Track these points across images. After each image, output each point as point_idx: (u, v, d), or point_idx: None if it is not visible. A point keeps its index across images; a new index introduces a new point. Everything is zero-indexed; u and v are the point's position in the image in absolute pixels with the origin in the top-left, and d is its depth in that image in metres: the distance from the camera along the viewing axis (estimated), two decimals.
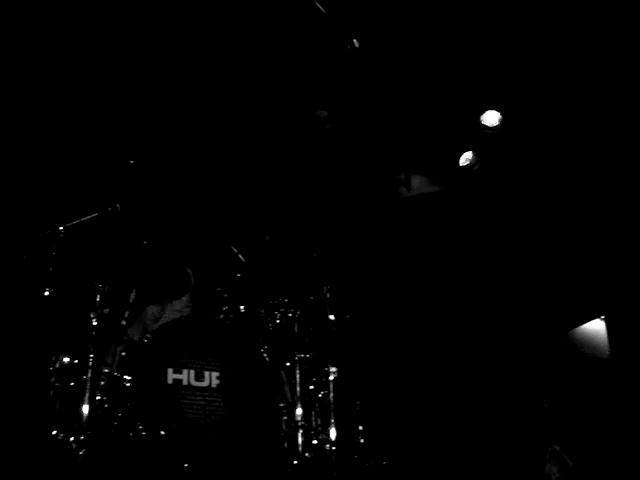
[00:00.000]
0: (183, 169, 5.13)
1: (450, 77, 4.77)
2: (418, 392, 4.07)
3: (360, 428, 4.24)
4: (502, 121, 4.95)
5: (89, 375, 3.94)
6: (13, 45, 4.52)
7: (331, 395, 4.15)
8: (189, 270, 4.54)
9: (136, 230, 4.41)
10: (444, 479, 3.91)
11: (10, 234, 4.55)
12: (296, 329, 4.26)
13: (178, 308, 4.48)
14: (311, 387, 4.27)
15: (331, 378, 4.18)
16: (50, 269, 3.95)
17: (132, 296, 4.19)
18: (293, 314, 4.27)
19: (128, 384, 3.93)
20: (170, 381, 3.93)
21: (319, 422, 4.19)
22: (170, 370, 3.95)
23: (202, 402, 3.95)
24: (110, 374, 3.97)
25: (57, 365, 4.08)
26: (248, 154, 5.12)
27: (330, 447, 4.03)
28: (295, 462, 3.99)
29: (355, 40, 4.50)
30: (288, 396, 4.18)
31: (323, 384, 4.22)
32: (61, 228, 3.98)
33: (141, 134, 4.95)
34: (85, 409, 3.85)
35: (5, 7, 4.28)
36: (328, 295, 4.29)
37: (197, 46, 4.70)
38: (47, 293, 3.92)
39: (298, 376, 4.19)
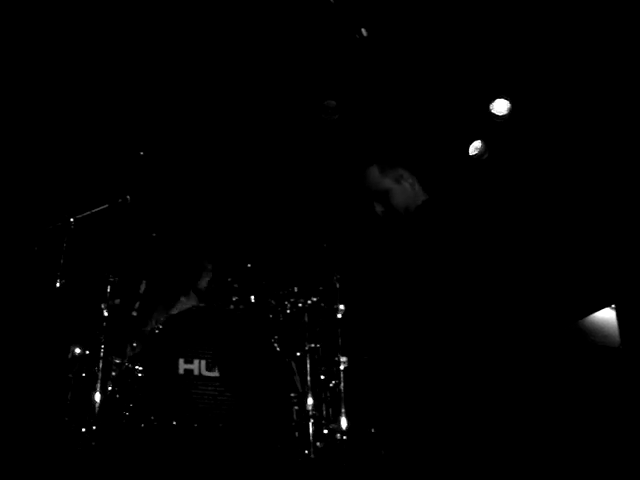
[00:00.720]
0: (192, 159, 5.13)
1: (459, 66, 4.75)
2: (428, 381, 4.06)
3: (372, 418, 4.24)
4: (511, 110, 4.94)
5: (101, 366, 3.96)
6: (21, 36, 4.53)
7: (342, 385, 4.16)
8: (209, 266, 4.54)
9: (146, 221, 4.42)
10: (454, 468, 3.92)
11: (21, 226, 4.57)
12: (306, 319, 4.27)
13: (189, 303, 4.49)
14: (322, 377, 4.27)
15: (342, 368, 4.18)
16: (61, 261, 3.97)
17: (142, 287, 4.20)
18: (303, 304, 4.28)
19: (139, 374, 3.95)
20: (181, 371, 3.94)
21: (330, 412, 4.20)
22: (181, 360, 3.97)
23: (213, 392, 3.96)
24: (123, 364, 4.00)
25: (69, 356, 4.10)
26: (258, 144, 5.11)
27: (341, 437, 4.04)
28: (306, 452, 4.00)
29: (363, 29, 4.49)
30: (299, 386, 4.19)
31: (334, 374, 4.23)
32: (72, 220, 4.00)
33: (151, 125, 4.95)
34: (97, 400, 3.87)
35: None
36: (338, 285, 4.30)
37: (204, 36, 4.70)
38: (58, 285, 3.94)
39: (309, 366, 4.20)
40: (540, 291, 4.64)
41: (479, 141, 4.98)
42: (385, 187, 3.62)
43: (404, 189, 3.66)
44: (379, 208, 3.66)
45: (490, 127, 5.02)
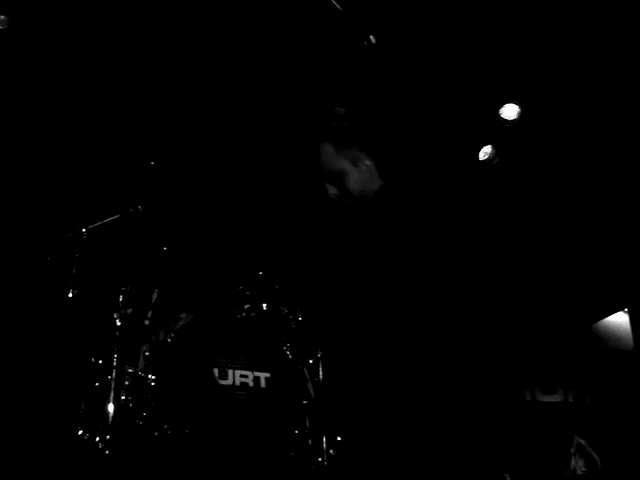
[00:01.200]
0: (202, 168, 5.15)
1: (468, 70, 4.75)
2: (438, 387, 4.06)
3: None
4: (521, 114, 4.93)
5: (114, 375, 3.98)
6: (29, 47, 4.57)
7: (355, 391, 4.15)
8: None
9: (158, 231, 4.44)
10: (467, 471, 3.91)
11: (34, 236, 4.60)
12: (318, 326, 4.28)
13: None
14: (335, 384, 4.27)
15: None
16: (73, 271, 3.99)
17: (154, 296, 4.22)
18: (315, 311, 4.28)
19: (153, 383, 3.96)
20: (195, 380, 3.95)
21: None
22: (195, 369, 3.98)
23: (227, 400, 3.97)
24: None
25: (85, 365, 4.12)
26: (269, 153, 5.12)
27: (353, 445, 4.04)
28: (319, 459, 4.00)
29: (371, 36, 4.49)
30: (312, 393, 4.19)
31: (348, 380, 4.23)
32: (84, 230, 4.02)
33: (161, 135, 4.97)
34: (110, 409, 3.89)
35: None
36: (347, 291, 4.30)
37: (212, 45, 4.72)
38: (71, 295, 3.97)
39: (321, 373, 4.20)
40: (554, 296, 4.62)
41: (489, 146, 4.97)
42: (340, 168, 3.41)
43: (360, 171, 3.45)
44: (332, 191, 3.44)
45: (499, 132, 5.01)
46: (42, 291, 4.43)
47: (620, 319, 4.70)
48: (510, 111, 4.91)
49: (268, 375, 4.10)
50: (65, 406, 4.05)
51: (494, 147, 4.97)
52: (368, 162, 3.40)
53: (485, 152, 4.99)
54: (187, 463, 3.80)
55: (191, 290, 4.45)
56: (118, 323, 4.02)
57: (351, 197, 3.34)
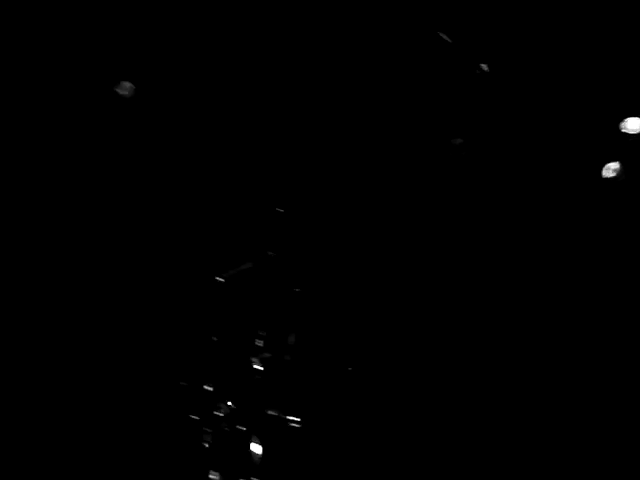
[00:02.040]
0: (327, 211, 5.20)
1: (589, 83, 4.66)
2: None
3: None
4: None
5: (254, 420, 4.06)
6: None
7: None
8: None
9: (291, 275, 4.53)
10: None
11: (173, 288, 4.76)
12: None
13: None
14: None
15: None
16: (212, 319, 4.12)
17: (291, 339, 4.29)
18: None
19: (295, 425, 4.02)
20: None
21: None
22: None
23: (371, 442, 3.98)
24: None
25: (224, 411, 4.22)
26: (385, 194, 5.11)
27: None
28: None
29: (484, 65, 4.48)
30: None
31: None
32: (220, 279, 4.15)
33: (286, 182, 5.07)
34: (257, 452, 3.96)
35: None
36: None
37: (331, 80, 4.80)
38: (210, 342, 4.09)
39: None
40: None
41: (615, 162, 4.83)
42: None
43: None
44: None
45: (623, 146, 4.86)
46: (182, 341, 4.58)
47: None
48: (634, 125, 4.77)
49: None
50: (206, 452, 4.15)
51: (620, 164, 4.82)
52: None
53: (612, 169, 4.84)
54: None
55: (327, 332, 4.50)
56: (258, 367, 4.11)
57: None
